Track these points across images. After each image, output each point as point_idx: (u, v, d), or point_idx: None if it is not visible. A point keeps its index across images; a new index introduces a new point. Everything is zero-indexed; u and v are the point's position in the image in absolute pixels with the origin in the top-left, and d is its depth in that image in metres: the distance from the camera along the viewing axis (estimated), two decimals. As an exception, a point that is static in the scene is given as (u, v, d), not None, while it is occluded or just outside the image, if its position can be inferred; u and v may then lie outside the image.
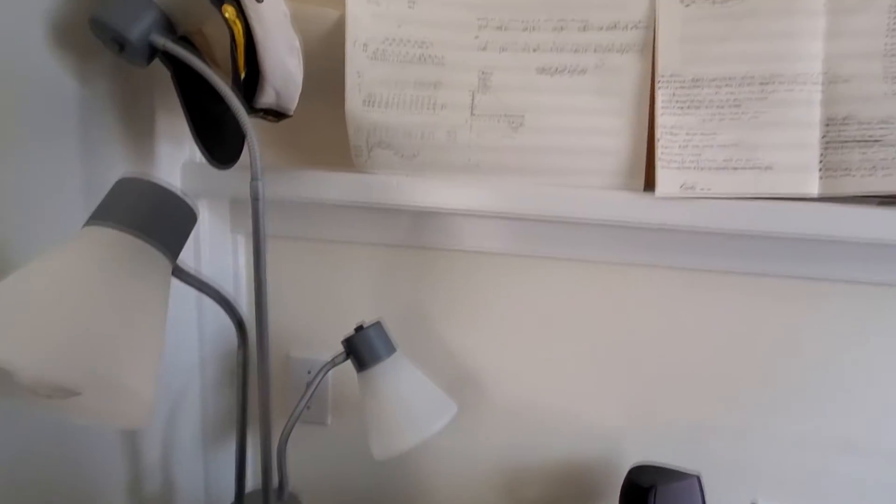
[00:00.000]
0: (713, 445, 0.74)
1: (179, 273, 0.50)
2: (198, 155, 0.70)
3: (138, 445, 0.67)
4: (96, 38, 0.52)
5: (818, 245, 0.64)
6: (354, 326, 0.62)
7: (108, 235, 0.44)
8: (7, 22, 0.48)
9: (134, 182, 0.47)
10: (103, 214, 0.45)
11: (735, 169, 0.62)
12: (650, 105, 0.64)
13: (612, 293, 0.72)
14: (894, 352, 0.69)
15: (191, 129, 0.58)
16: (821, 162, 0.61)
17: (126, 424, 0.45)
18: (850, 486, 0.73)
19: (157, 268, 0.46)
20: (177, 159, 0.69)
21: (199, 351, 0.75)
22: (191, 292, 0.70)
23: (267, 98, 0.57)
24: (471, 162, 0.67)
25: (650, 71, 0.64)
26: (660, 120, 0.63)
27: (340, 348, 0.63)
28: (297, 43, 0.57)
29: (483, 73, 0.66)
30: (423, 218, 0.71)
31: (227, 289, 0.76)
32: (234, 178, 0.65)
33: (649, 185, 0.65)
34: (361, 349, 0.61)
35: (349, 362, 0.62)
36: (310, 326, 0.79)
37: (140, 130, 0.63)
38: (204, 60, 0.51)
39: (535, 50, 0.66)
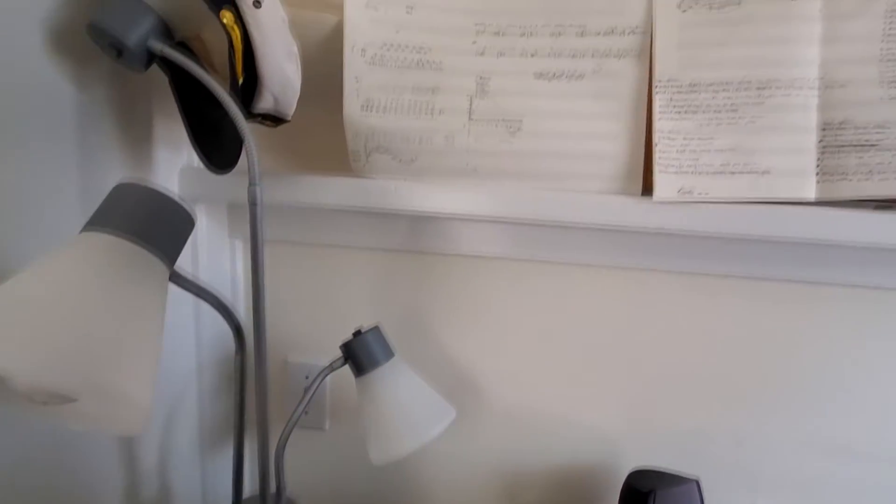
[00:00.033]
0: (712, 449, 0.74)
1: (177, 278, 0.50)
2: (195, 160, 0.70)
3: (135, 451, 0.66)
4: (94, 44, 0.52)
5: (816, 249, 0.64)
6: (352, 331, 0.62)
7: (105, 241, 0.44)
8: (5, 27, 0.48)
9: (131, 187, 0.46)
10: (100, 220, 0.45)
11: (732, 173, 0.62)
12: (648, 110, 0.64)
13: (611, 297, 0.72)
14: (893, 355, 0.69)
15: (188, 135, 0.58)
16: (818, 166, 0.61)
17: (123, 430, 0.44)
18: (850, 489, 0.72)
19: (155, 273, 0.45)
20: (174, 164, 0.69)
21: (197, 356, 0.75)
22: (188, 297, 0.70)
23: (265, 103, 0.57)
24: (469, 166, 0.67)
25: (647, 76, 0.64)
26: (657, 124, 0.63)
27: (338, 353, 0.63)
28: (295, 48, 0.57)
29: (481, 78, 0.66)
30: (421, 222, 0.71)
31: (224, 294, 0.76)
32: (232, 183, 0.65)
33: (647, 189, 0.65)
34: (359, 354, 0.61)
35: (347, 367, 0.62)
36: (308, 331, 0.78)
37: (138, 135, 0.63)
38: (202, 66, 0.51)
39: (532, 55, 0.66)
